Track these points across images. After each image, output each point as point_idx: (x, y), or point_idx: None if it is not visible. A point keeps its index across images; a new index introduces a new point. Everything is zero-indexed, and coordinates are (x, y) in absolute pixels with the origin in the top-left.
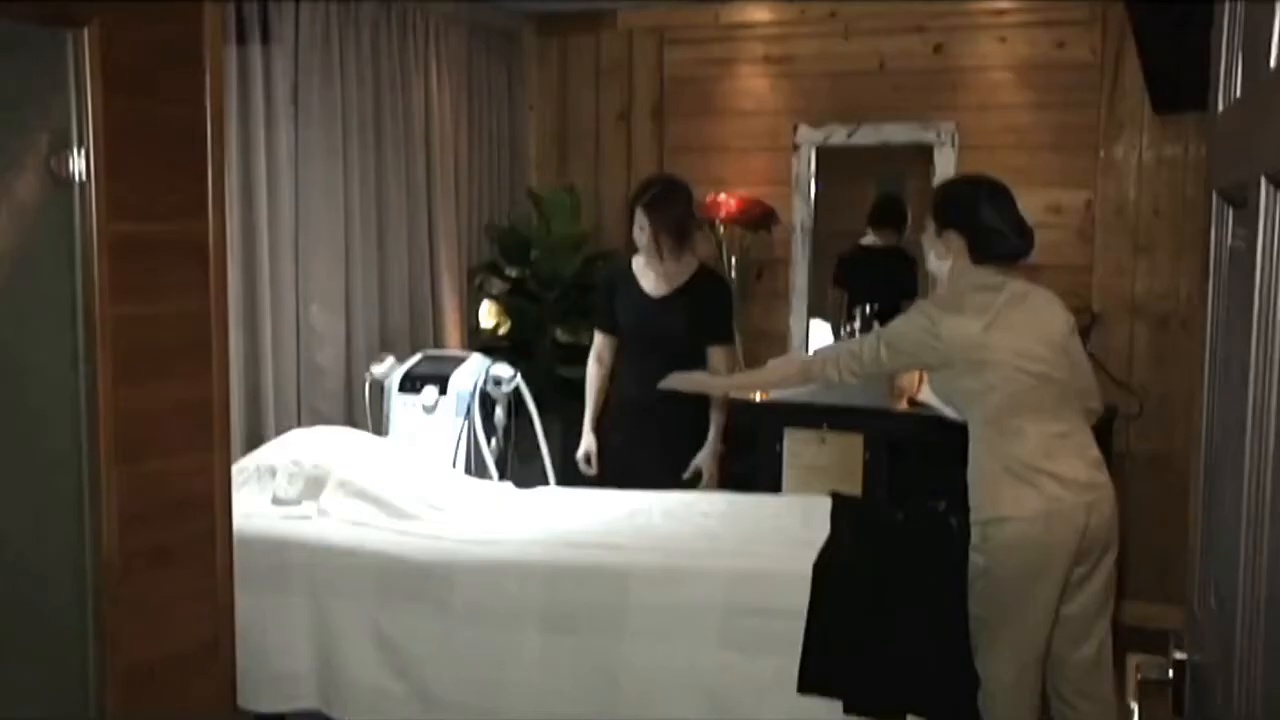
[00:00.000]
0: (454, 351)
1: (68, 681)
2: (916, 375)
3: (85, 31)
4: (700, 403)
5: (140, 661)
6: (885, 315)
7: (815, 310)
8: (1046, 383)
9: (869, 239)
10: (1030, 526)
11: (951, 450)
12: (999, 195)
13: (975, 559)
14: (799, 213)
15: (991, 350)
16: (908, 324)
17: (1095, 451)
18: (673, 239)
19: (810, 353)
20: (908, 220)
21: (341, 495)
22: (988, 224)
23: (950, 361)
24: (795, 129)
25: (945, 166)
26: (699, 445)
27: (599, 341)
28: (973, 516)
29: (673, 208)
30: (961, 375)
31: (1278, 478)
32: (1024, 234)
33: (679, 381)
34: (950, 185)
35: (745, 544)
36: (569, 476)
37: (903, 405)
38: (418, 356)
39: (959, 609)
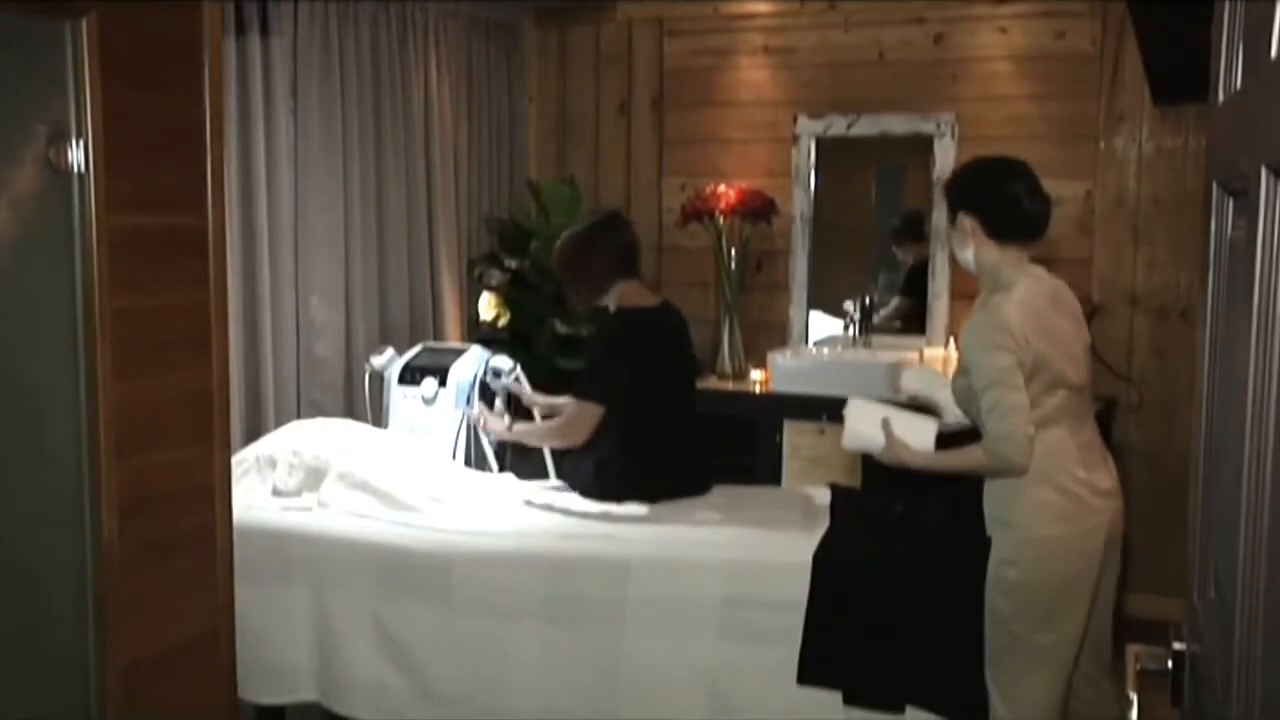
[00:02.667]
0: (453, 343)
1: (68, 674)
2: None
3: (84, 23)
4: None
5: (140, 654)
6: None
7: (815, 301)
8: (1082, 390)
9: (901, 257)
10: (1076, 541)
11: (950, 441)
12: (1004, 167)
13: (1007, 574)
14: (799, 203)
15: (1044, 359)
16: (994, 357)
17: (1108, 452)
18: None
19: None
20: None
21: (341, 487)
22: (998, 196)
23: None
24: (795, 120)
25: (945, 157)
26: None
27: None
28: (1002, 529)
29: (559, 253)
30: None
31: (1278, 469)
32: (1039, 197)
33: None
34: (957, 170)
35: (745, 535)
36: None
37: (901, 397)
38: (417, 348)
39: (958, 601)
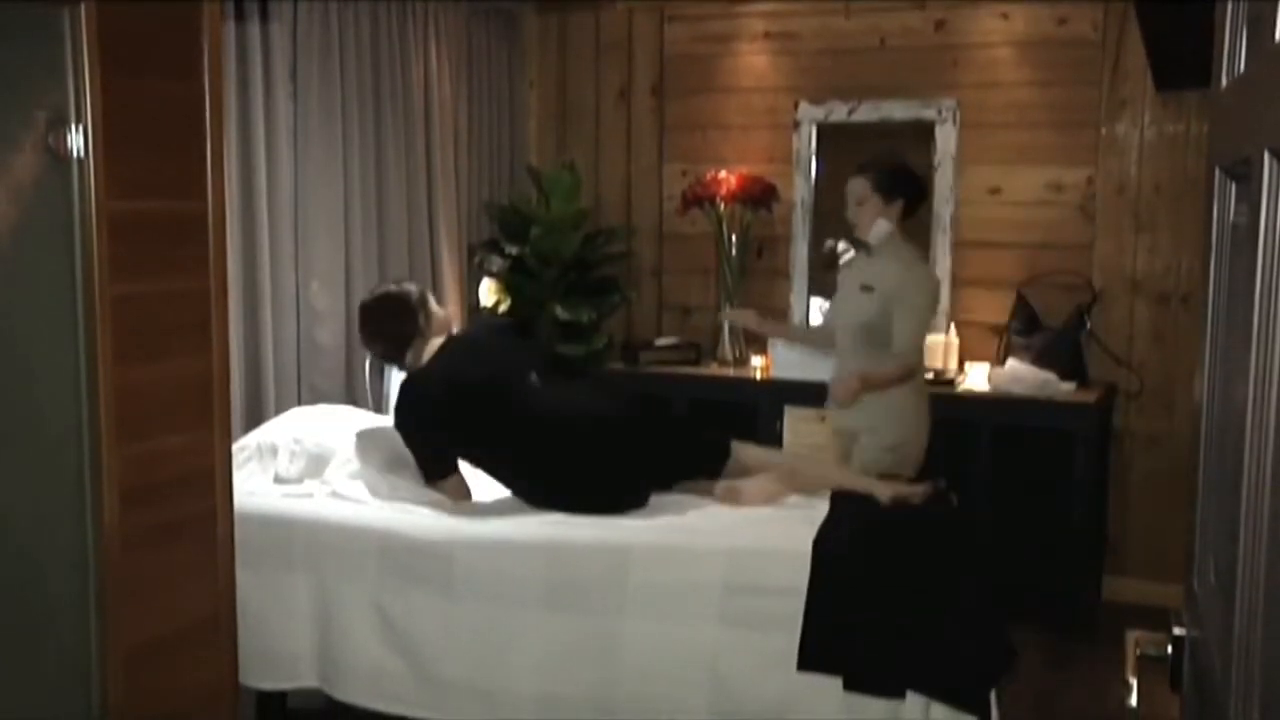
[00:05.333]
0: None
1: (70, 658)
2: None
3: (82, 8)
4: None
5: (142, 639)
6: None
7: (816, 288)
8: None
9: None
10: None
11: (951, 427)
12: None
13: (885, 459)
14: (799, 190)
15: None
16: (928, 295)
17: None
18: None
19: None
20: None
21: (344, 474)
22: (920, 188)
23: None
24: (796, 106)
25: (946, 143)
26: None
27: None
28: (893, 439)
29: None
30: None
31: (1279, 455)
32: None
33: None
34: (886, 162)
35: (745, 522)
36: None
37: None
38: None
39: (959, 586)
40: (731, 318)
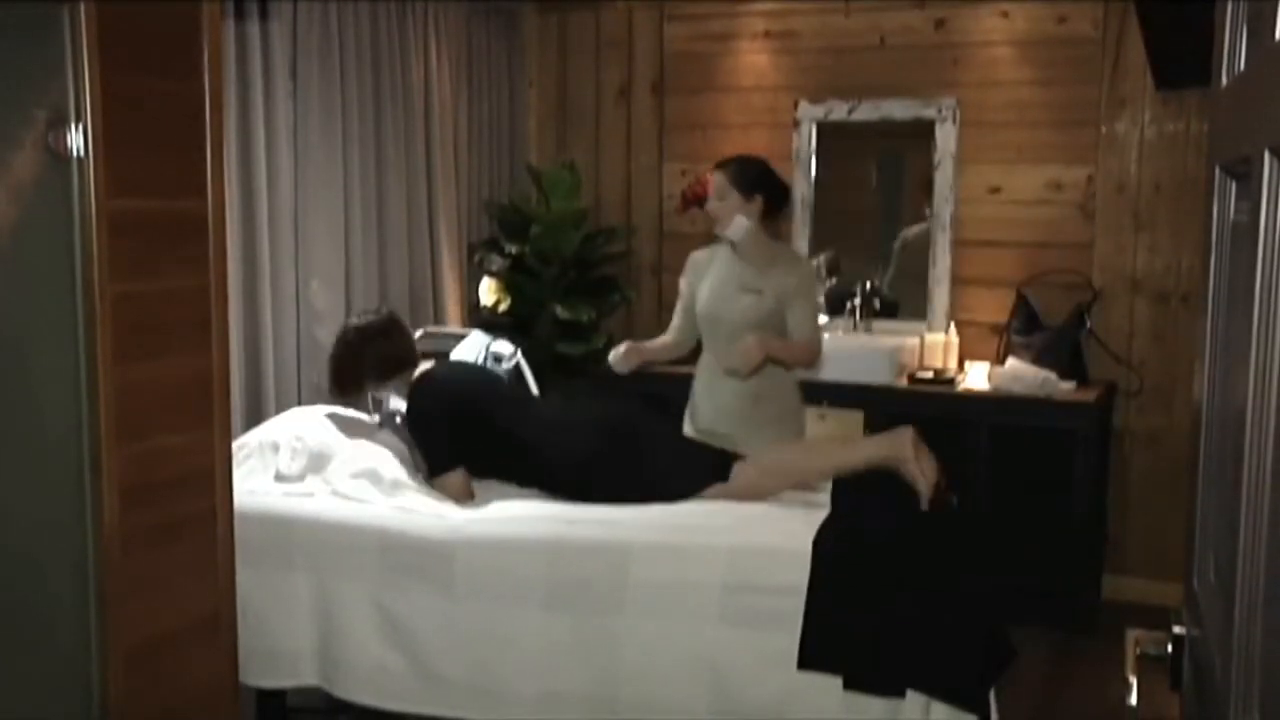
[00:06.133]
0: (454, 328)
1: (70, 658)
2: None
3: (82, 6)
4: None
5: (142, 638)
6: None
7: None
8: None
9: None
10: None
11: (950, 426)
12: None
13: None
14: (800, 188)
15: None
16: (815, 287)
17: None
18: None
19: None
20: None
21: (345, 473)
22: (780, 186)
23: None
24: (796, 105)
25: (946, 142)
26: None
27: None
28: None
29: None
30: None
31: (1278, 453)
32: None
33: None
34: (745, 160)
35: (745, 521)
36: None
37: (902, 381)
38: (418, 333)
39: (959, 585)
40: (615, 364)
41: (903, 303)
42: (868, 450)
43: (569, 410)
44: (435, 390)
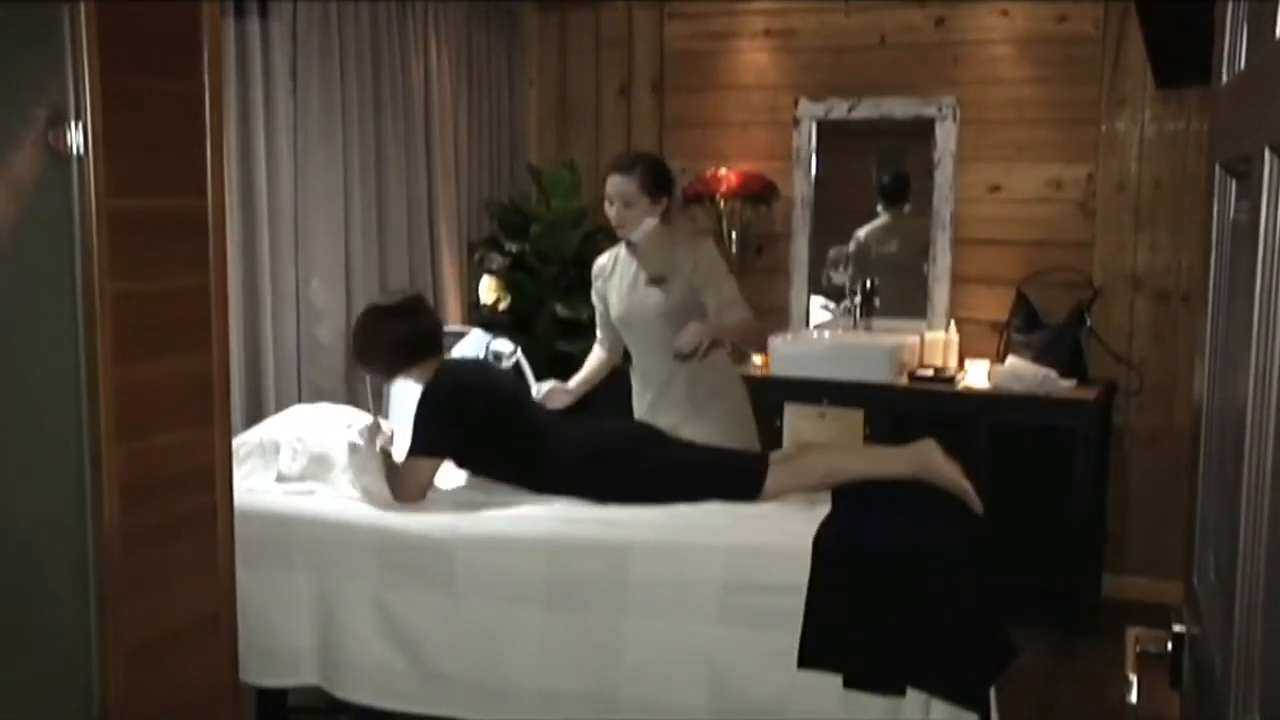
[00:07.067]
0: (454, 327)
1: (70, 656)
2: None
3: (82, 5)
4: None
5: (142, 637)
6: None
7: (815, 285)
8: None
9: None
10: None
11: (950, 425)
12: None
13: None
14: (799, 187)
15: None
16: (721, 260)
17: None
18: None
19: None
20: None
21: (346, 479)
22: (674, 181)
23: None
24: (796, 103)
25: (946, 141)
26: None
27: None
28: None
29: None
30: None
31: (1278, 452)
32: None
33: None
34: (649, 162)
35: (745, 519)
36: None
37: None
38: None
39: (959, 583)
40: (546, 399)
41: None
42: (897, 466)
43: (586, 425)
44: (457, 378)
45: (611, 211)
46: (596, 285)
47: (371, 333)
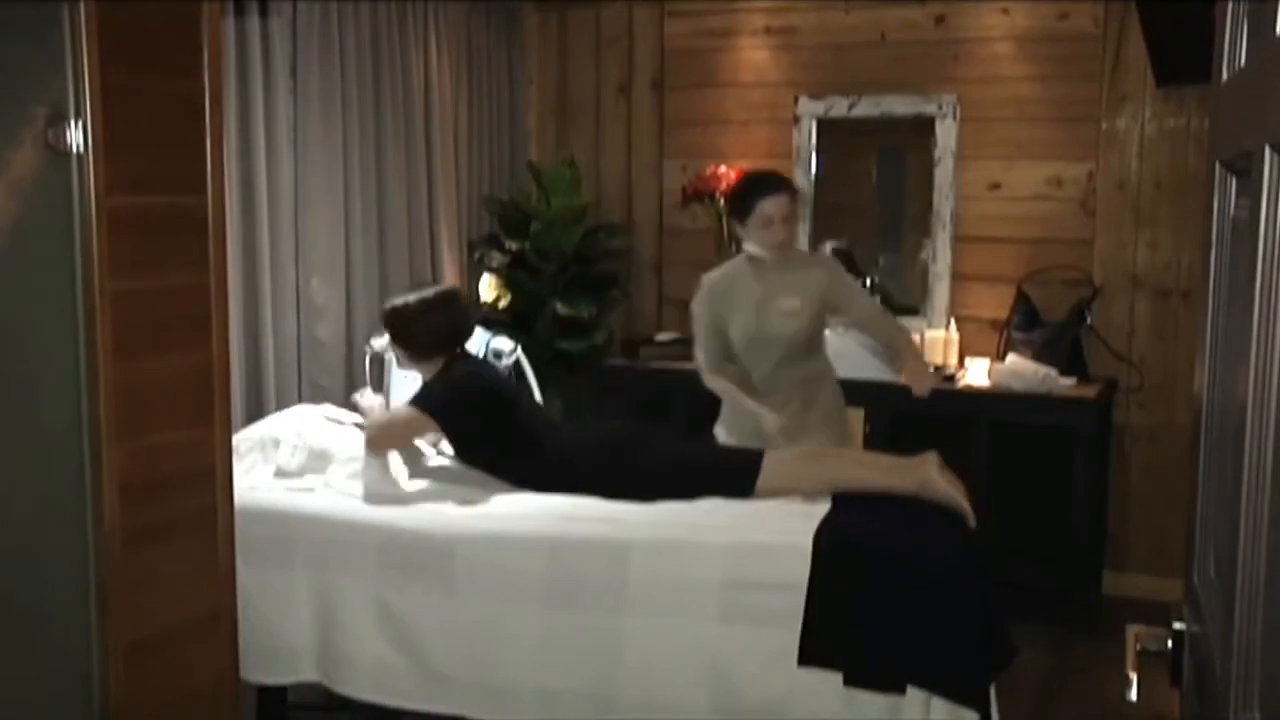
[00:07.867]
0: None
1: (70, 654)
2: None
3: (81, 3)
4: None
5: (142, 635)
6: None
7: None
8: None
9: None
10: None
11: (950, 423)
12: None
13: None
14: (800, 185)
15: None
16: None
17: None
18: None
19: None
20: None
21: (344, 474)
22: None
23: None
24: (796, 101)
25: (946, 139)
26: None
27: None
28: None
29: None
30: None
31: (1279, 449)
32: None
33: None
34: (791, 180)
35: (745, 517)
36: None
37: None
38: None
39: (959, 581)
40: (774, 435)
41: None
42: (895, 483)
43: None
44: (467, 371)
45: (778, 232)
46: (712, 306)
47: (415, 314)
